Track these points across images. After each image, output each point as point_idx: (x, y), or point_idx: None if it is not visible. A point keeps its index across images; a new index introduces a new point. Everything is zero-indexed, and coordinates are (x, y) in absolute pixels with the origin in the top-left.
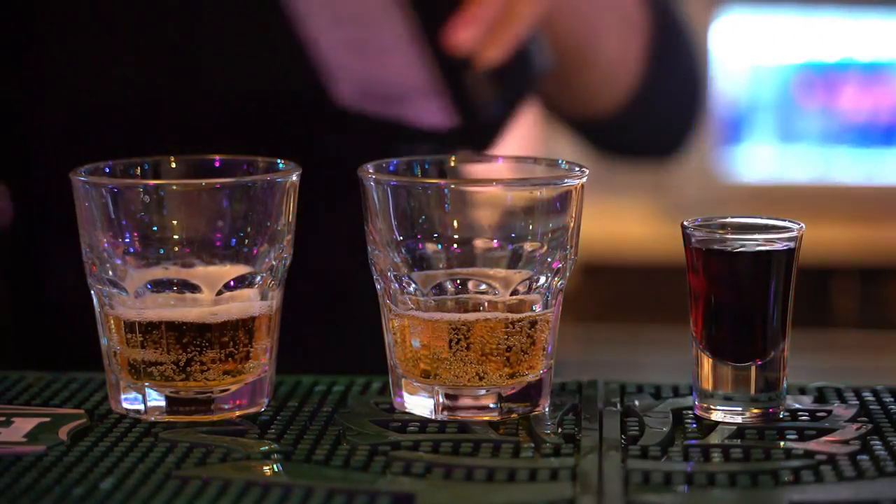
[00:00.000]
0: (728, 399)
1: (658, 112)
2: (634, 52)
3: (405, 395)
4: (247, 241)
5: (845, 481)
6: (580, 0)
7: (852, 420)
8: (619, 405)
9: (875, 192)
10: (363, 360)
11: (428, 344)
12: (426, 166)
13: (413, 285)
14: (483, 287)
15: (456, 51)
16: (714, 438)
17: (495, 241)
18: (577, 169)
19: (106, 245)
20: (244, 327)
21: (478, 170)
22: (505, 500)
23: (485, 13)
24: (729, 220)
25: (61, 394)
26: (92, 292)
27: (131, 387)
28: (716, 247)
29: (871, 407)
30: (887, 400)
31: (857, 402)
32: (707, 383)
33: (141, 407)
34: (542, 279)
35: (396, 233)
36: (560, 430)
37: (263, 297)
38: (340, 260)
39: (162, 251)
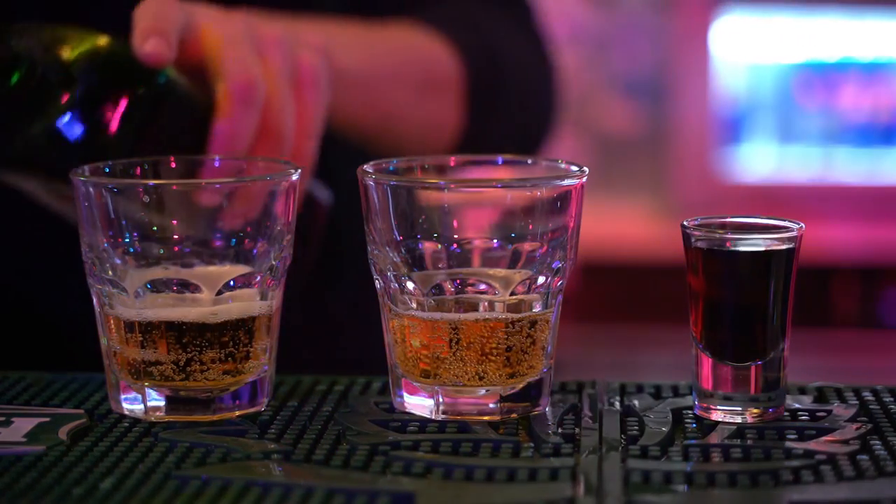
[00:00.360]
0: (728, 399)
1: (501, 135)
2: (448, 109)
3: (405, 394)
4: (246, 240)
5: (845, 481)
6: (367, 91)
7: (852, 420)
8: (618, 405)
9: (875, 192)
10: (363, 360)
11: (428, 344)
12: (426, 166)
13: (413, 285)
14: (483, 287)
15: None
16: (714, 438)
17: (495, 241)
18: (576, 169)
19: (106, 245)
20: (244, 327)
21: (478, 170)
22: (505, 500)
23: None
24: (729, 220)
25: (61, 394)
26: (92, 292)
27: (131, 387)
28: (716, 247)
29: (871, 407)
30: (887, 400)
31: (857, 402)
32: (707, 383)
33: (141, 407)
34: (542, 279)
35: (396, 232)
36: (560, 429)
37: (263, 297)
38: (340, 259)
39: (162, 251)
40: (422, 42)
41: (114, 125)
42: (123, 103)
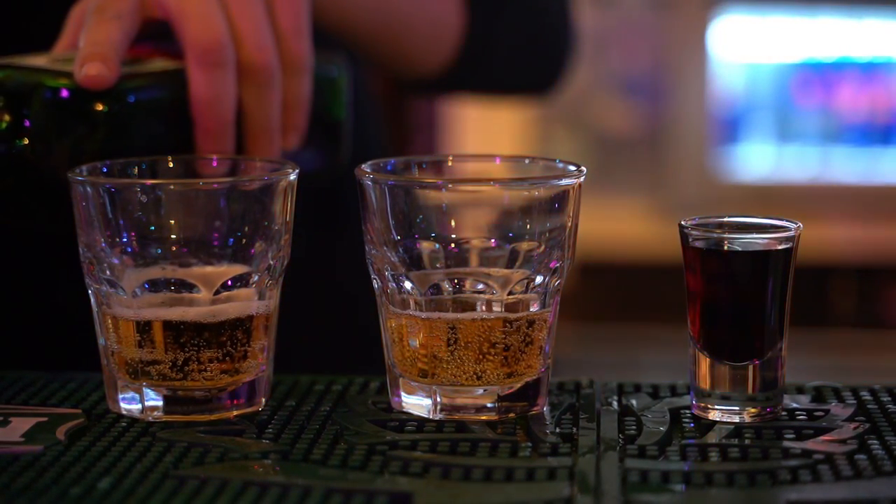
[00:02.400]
0: (726, 398)
1: (508, 46)
2: (447, 5)
3: (403, 394)
4: (244, 240)
5: (843, 481)
6: None
7: (850, 419)
8: (616, 404)
9: (873, 191)
10: (361, 360)
11: (425, 343)
12: (423, 166)
13: (411, 285)
14: (480, 286)
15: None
16: (711, 438)
17: (493, 240)
18: (574, 168)
19: (103, 245)
20: (242, 327)
21: (475, 169)
22: (502, 500)
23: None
24: (727, 219)
25: (59, 393)
26: (90, 292)
27: (129, 386)
28: (713, 246)
29: (869, 406)
30: (885, 399)
31: (855, 402)
32: (705, 383)
33: (138, 406)
34: (540, 279)
35: (394, 232)
36: (558, 429)
37: (261, 297)
38: (339, 259)
39: (159, 251)
40: None
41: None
42: (83, 134)
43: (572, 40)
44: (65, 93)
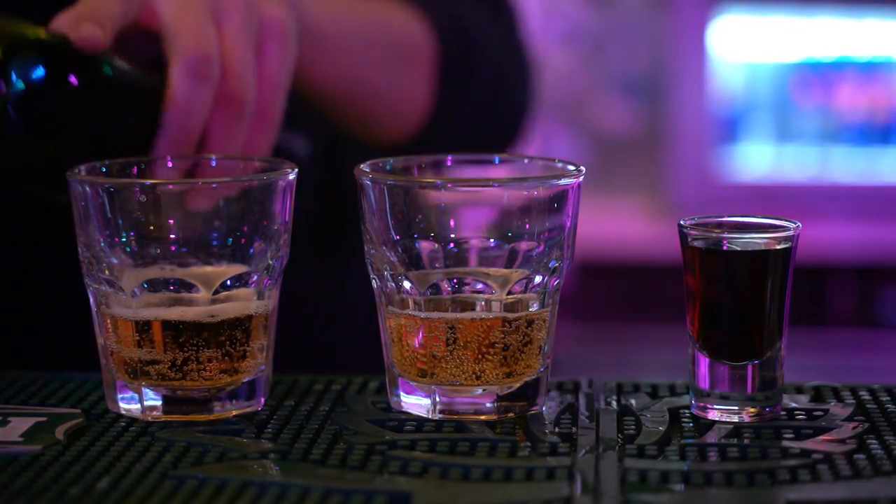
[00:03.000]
0: (725, 398)
1: (471, 119)
2: (417, 82)
3: (402, 394)
4: (243, 240)
5: (842, 480)
6: (335, 50)
7: (849, 419)
8: (615, 404)
9: (872, 191)
10: (361, 360)
11: (425, 343)
12: (423, 166)
13: (410, 284)
14: (480, 286)
15: None
16: (711, 438)
17: (492, 240)
18: (573, 168)
19: (102, 244)
20: (241, 326)
21: (474, 169)
22: (502, 500)
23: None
24: (726, 219)
25: (58, 393)
26: (88, 291)
27: (128, 386)
28: (712, 246)
29: (868, 406)
30: (884, 399)
31: (854, 402)
32: (704, 382)
33: (137, 406)
34: (539, 278)
35: (393, 232)
36: (557, 429)
37: (260, 297)
38: (338, 259)
39: (158, 250)
40: (394, 11)
41: (60, 117)
42: (66, 94)
43: (533, 107)
44: (45, 45)
